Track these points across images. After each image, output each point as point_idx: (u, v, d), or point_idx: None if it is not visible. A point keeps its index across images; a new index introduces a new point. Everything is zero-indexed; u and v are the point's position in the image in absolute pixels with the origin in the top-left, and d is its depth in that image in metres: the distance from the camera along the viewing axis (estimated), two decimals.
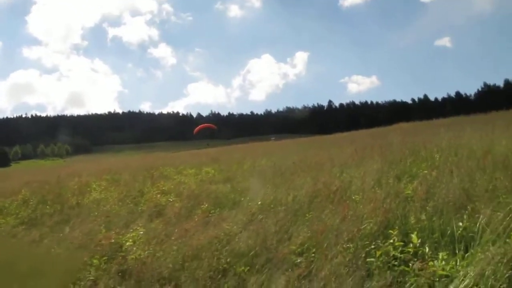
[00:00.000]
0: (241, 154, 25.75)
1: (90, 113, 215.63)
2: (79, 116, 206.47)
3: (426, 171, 9.19)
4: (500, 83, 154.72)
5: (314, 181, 10.19)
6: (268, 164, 16.90)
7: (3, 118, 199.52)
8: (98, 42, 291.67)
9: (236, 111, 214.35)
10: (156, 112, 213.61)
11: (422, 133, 21.65)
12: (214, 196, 11.22)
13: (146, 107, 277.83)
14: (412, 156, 12.29)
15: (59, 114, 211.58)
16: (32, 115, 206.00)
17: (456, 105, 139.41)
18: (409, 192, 7.58)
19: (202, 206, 9.75)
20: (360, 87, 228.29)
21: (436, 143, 13.80)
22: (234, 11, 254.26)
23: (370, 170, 10.30)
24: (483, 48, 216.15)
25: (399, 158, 12.30)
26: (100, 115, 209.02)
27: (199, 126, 35.05)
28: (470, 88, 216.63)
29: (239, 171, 16.62)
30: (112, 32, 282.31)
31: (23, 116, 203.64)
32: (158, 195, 11.92)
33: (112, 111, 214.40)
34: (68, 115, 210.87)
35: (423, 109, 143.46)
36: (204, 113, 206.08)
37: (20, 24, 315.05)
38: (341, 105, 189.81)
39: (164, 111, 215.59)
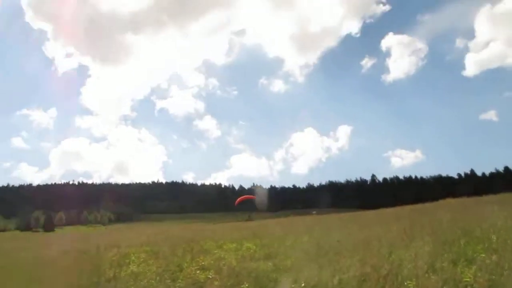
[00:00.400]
0: (282, 228, 25.13)
1: (134, 182, 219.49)
2: (123, 185, 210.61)
3: (484, 255, 8.54)
4: None
5: (361, 263, 9.60)
6: (311, 241, 16.27)
7: (52, 184, 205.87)
8: (146, 113, 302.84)
9: (278, 184, 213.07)
10: (199, 183, 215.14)
11: (472, 210, 20.61)
12: (254, 275, 10.71)
13: (189, 178, 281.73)
14: (465, 237, 11.59)
15: (104, 182, 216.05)
16: (78, 182, 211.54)
17: (505, 180, 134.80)
18: (468, 279, 6.94)
19: (242, 286, 9.28)
20: (404, 162, 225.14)
21: (491, 222, 13.04)
22: (278, 86, 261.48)
23: (422, 252, 9.67)
24: None
25: (451, 238, 11.61)
26: (144, 184, 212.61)
27: (240, 198, 34.75)
28: None
29: (281, 247, 16.01)
30: (160, 104, 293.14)
31: (70, 182, 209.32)
32: (198, 271, 11.52)
33: (156, 181, 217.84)
34: (113, 183, 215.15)
35: (470, 184, 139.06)
36: (246, 186, 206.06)
37: (76, 94, 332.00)
38: (384, 179, 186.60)
39: (207, 182, 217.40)
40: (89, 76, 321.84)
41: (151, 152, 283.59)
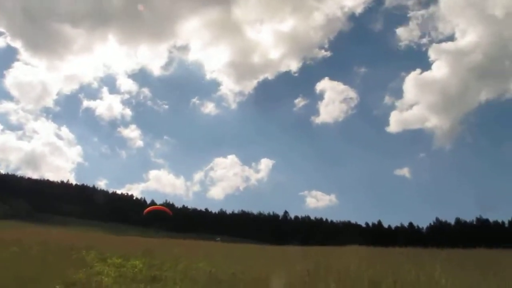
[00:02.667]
0: (181, 250, 23.16)
1: (42, 178, 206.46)
2: (30, 179, 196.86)
3: None
4: (452, 221, 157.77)
5: None
6: (205, 269, 14.52)
7: None
8: (70, 110, 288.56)
9: (191, 205, 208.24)
10: (110, 191, 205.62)
11: (380, 259, 19.78)
12: None
13: (102, 184, 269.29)
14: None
15: (9, 173, 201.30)
16: None
17: (407, 236, 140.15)
18: None
19: None
20: (318, 203, 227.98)
21: (399, 276, 12.01)
22: (210, 108, 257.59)
23: None
24: (438, 184, 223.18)
25: (357, 287, 10.40)
26: (52, 182, 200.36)
27: (153, 207, 31.70)
28: (423, 221, 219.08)
29: (171, 271, 14.17)
30: (86, 103, 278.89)
31: None
32: (57, 286, 9.43)
33: (65, 181, 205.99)
34: (19, 175, 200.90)
35: (375, 235, 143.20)
36: (158, 201, 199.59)
37: None
38: (296, 217, 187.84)
39: (119, 191, 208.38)
40: (17, 60, 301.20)
41: (67, 151, 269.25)
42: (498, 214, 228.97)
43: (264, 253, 26.78)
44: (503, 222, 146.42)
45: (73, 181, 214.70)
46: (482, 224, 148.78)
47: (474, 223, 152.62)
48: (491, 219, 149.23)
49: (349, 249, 31.45)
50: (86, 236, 32.91)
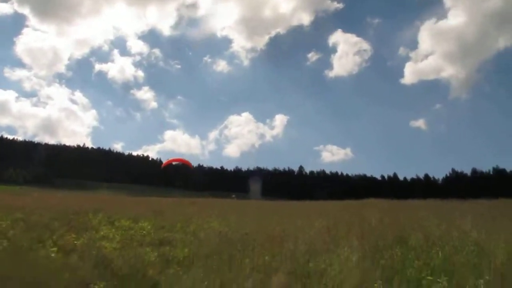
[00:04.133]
0: (194, 209, 22.50)
1: (59, 143, 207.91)
2: (47, 145, 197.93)
3: (430, 277, 6.31)
4: (468, 171, 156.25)
5: (269, 267, 7.13)
6: (218, 229, 13.71)
7: None
8: (82, 74, 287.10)
9: (207, 164, 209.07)
10: (126, 153, 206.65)
11: (402, 214, 18.83)
12: (127, 265, 8.03)
13: (118, 147, 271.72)
14: (398, 245, 9.46)
15: (28, 140, 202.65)
16: None
17: (423, 187, 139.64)
18: None
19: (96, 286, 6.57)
20: (333, 157, 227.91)
21: (427, 231, 11.04)
22: (222, 66, 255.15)
23: (348, 262, 7.33)
24: (454, 135, 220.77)
25: (382, 244, 9.45)
26: (69, 147, 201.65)
27: (172, 159, 29.89)
28: (439, 173, 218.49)
29: (181, 232, 13.38)
30: (98, 67, 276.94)
31: None
32: (53, 254, 8.62)
33: (82, 145, 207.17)
34: (36, 142, 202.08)
35: (391, 187, 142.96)
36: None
37: (7, 44, 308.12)
38: (311, 172, 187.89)
39: (135, 153, 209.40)
40: (26, 26, 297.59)
41: (82, 116, 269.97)
42: None
43: (280, 209, 26.03)
44: None
45: (90, 145, 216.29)
46: (499, 173, 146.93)
47: (491, 173, 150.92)
48: (508, 169, 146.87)
49: (368, 203, 30.63)
50: (97, 199, 32.44)
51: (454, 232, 10.34)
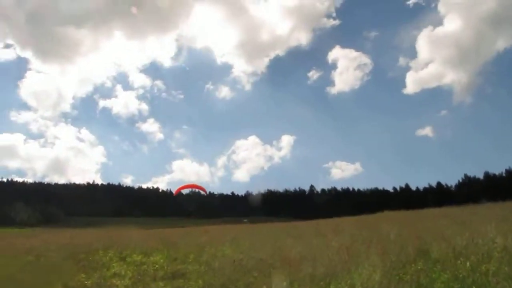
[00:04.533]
0: (206, 237, 22.00)
1: (69, 182, 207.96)
2: (57, 185, 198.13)
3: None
4: (480, 175, 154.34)
5: None
6: (232, 257, 13.26)
7: None
8: (87, 112, 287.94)
9: (218, 190, 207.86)
10: (136, 186, 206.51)
11: (420, 224, 18.30)
12: None
13: (128, 181, 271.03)
14: (421, 258, 9.02)
15: (37, 181, 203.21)
16: (7, 180, 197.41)
17: (437, 196, 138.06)
18: None
19: None
20: (343, 173, 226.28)
21: (448, 240, 10.58)
22: (224, 92, 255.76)
23: (370, 282, 6.91)
24: (463, 140, 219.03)
25: (404, 259, 9.01)
26: (79, 185, 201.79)
27: (185, 185, 28.78)
28: (451, 179, 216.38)
29: (195, 263, 12.94)
30: (102, 103, 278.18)
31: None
32: None
33: (91, 182, 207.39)
34: (46, 182, 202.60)
35: (404, 198, 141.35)
36: (185, 191, 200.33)
37: (12, 87, 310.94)
38: (322, 190, 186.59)
39: (144, 186, 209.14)
40: (29, 69, 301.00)
41: (90, 153, 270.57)
42: None
43: (294, 230, 25.45)
44: None
45: (99, 181, 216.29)
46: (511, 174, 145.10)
47: (504, 175, 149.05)
48: None
49: (382, 216, 30.06)
50: (108, 235, 32.00)
51: (479, 239, 9.85)
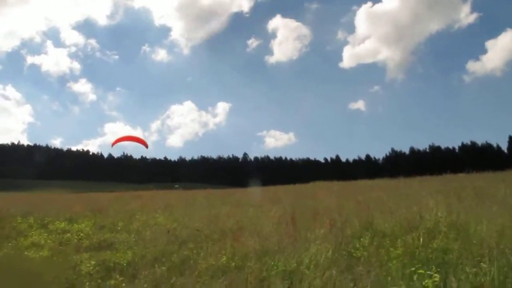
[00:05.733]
0: (138, 204, 20.88)
1: None
2: None
3: (422, 271, 5.39)
4: (406, 150, 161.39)
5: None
6: (166, 224, 12.37)
7: None
8: (13, 68, 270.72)
9: (150, 155, 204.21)
10: (65, 148, 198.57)
11: (355, 194, 18.14)
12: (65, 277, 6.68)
13: (57, 143, 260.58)
14: (367, 232, 8.58)
15: None
16: None
17: (365, 167, 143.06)
18: None
19: None
20: (277, 142, 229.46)
21: (393, 213, 10.27)
22: (161, 55, 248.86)
23: (320, 258, 6.29)
24: (393, 116, 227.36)
25: (350, 233, 8.52)
26: (2, 145, 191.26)
27: (125, 137, 26.80)
28: (379, 153, 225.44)
29: (124, 232, 11.93)
30: (31, 59, 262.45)
31: None
32: None
33: (16, 143, 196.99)
34: None
35: (335, 169, 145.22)
36: (116, 154, 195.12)
37: None
38: (255, 158, 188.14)
39: (74, 148, 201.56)
40: None
41: (16, 111, 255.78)
42: (448, 141, 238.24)
43: (228, 197, 24.82)
44: (453, 148, 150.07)
45: (26, 142, 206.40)
46: (435, 151, 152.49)
47: (427, 150, 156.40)
48: (443, 146, 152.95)
49: (318, 186, 30.04)
50: (31, 199, 30.05)
51: (426, 214, 9.51)
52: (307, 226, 9.32)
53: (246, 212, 14.43)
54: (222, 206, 17.89)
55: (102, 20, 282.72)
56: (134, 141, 25.30)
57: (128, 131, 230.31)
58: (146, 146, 21.92)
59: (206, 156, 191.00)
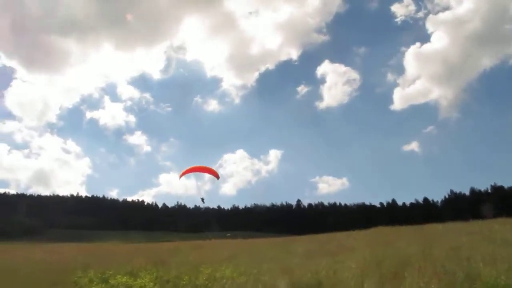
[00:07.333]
0: (198, 255, 19.93)
1: (53, 194, 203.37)
2: (39, 196, 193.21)
3: None
4: (466, 191, 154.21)
5: None
6: (234, 278, 11.31)
7: None
8: (74, 123, 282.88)
9: (204, 204, 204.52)
10: (121, 199, 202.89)
11: (434, 240, 16.50)
12: None
13: (113, 194, 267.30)
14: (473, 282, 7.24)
15: (20, 193, 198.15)
16: None
17: (423, 211, 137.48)
18: None
19: None
20: (330, 188, 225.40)
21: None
22: (213, 105, 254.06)
23: None
24: (449, 156, 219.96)
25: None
26: (63, 197, 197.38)
27: (193, 167, 25.08)
28: (437, 195, 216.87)
29: (190, 286, 10.94)
30: (89, 115, 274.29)
31: None
32: None
33: (75, 194, 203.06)
34: (28, 194, 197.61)
35: (390, 213, 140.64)
36: (170, 204, 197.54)
37: None
38: (309, 205, 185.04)
39: (129, 199, 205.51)
40: (14, 78, 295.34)
41: (75, 164, 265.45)
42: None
43: (291, 246, 23.41)
44: None
45: (84, 194, 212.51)
46: (497, 191, 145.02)
47: (489, 191, 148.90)
48: (506, 186, 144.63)
49: (382, 231, 28.23)
50: (89, 250, 29.69)
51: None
52: (411, 280, 8.01)
53: (320, 263, 13.15)
54: (288, 256, 16.67)
55: (156, 74, 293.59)
56: (204, 171, 24.32)
57: (182, 181, 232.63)
58: (218, 177, 21.29)
59: (259, 203, 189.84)
